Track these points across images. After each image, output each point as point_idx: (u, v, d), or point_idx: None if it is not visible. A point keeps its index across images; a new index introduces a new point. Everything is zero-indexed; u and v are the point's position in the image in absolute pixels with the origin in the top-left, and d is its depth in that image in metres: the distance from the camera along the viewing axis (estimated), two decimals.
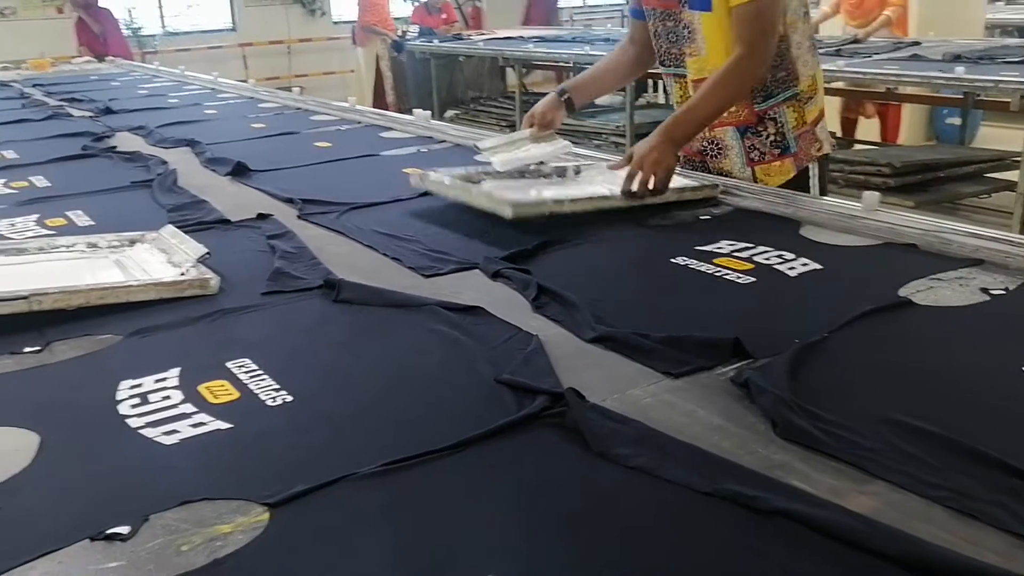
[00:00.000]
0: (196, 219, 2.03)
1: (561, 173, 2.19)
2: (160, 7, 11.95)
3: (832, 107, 6.11)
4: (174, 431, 1.06)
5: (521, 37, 8.54)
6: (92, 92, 4.73)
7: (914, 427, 1.00)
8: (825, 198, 1.93)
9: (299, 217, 2.04)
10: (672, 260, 1.62)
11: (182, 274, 1.57)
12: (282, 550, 0.85)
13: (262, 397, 1.15)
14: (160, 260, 1.66)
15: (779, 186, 2.11)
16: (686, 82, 2.17)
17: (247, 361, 1.25)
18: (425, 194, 2.20)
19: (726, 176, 2.17)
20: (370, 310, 1.45)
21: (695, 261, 1.61)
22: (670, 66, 2.20)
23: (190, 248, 1.66)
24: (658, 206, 1.94)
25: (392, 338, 1.36)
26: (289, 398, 1.14)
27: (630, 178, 1.92)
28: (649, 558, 0.82)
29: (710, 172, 2.21)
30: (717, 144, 2.18)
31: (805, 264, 1.58)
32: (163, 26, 11.96)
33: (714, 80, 1.99)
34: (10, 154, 2.95)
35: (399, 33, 9.41)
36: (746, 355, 1.21)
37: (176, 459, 1.01)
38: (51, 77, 5.83)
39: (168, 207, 2.16)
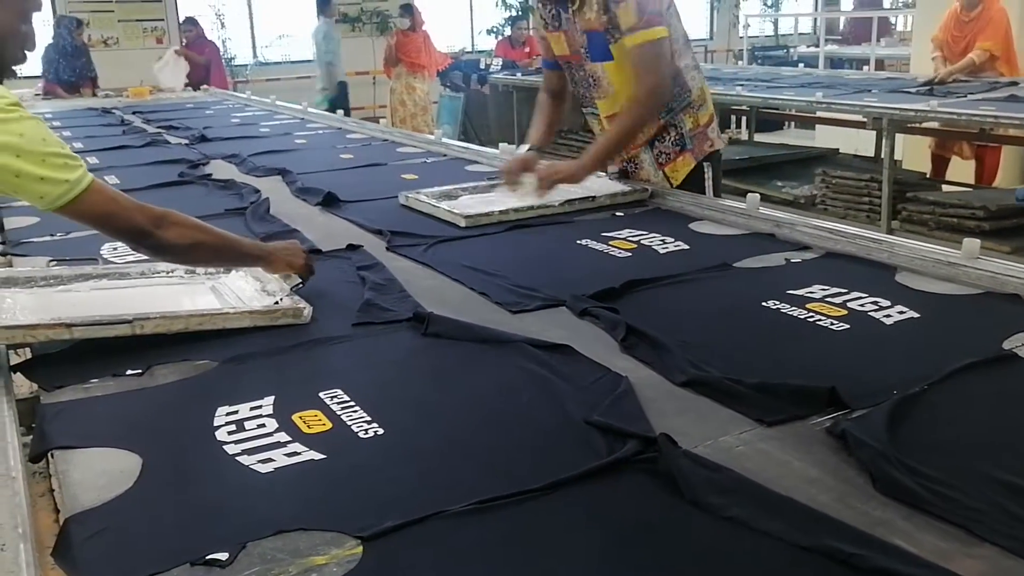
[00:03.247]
0: None
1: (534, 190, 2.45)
2: (253, 38, 12.34)
3: (921, 145, 5.97)
4: (270, 459, 1.08)
5: None
6: (188, 120, 4.90)
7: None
8: (922, 244, 1.89)
9: (388, 249, 2.07)
10: (763, 303, 1.59)
11: (276, 303, 1.60)
12: None
13: (354, 429, 1.16)
14: (254, 288, 1.70)
15: (680, 181, 2.56)
16: (601, 119, 2.63)
17: (339, 392, 1.27)
18: (513, 228, 2.22)
19: (644, 183, 2.58)
20: (459, 345, 1.46)
21: (787, 305, 1.58)
22: (586, 107, 2.67)
23: (283, 277, 1.70)
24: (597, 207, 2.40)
25: (481, 374, 1.36)
26: (380, 431, 1.16)
27: (540, 177, 2.38)
28: None
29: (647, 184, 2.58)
30: (634, 162, 2.64)
31: (902, 312, 1.54)
32: (254, 56, 12.35)
33: (620, 118, 2.48)
34: (112, 179, 3.07)
35: (482, 65, 9.54)
36: (842, 405, 1.18)
37: (272, 488, 1.03)
38: (150, 104, 6.07)
39: (261, 235, 2.21)
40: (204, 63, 8.35)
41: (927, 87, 5.55)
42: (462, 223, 2.24)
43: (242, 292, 1.70)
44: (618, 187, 2.52)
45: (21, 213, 2.97)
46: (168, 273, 1.81)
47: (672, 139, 2.57)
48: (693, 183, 2.56)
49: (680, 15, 2.52)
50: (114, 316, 1.46)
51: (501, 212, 2.30)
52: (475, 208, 2.35)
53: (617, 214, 2.35)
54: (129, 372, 1.36)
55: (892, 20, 14.00)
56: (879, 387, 1.22)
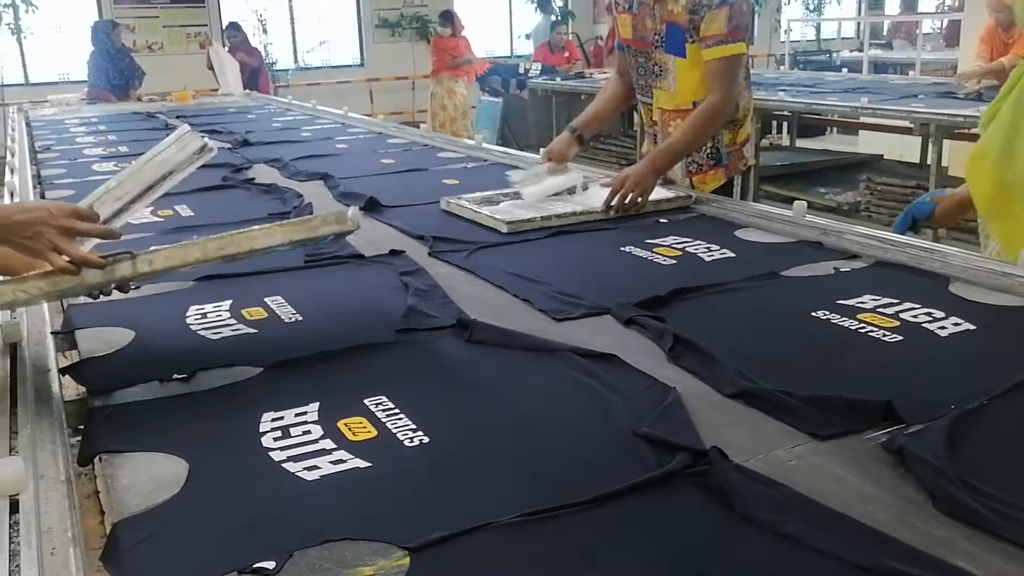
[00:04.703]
0: (331, 253, 2.07)
1: (571, 190, 2.53)
2: (294, 43, 12.47)
3: (968, 151, 5.86)
4: (315, 467, 1.08)
5: None
6: (231, 124, 4.95)
7: None
8: (976, 254, 1.84)
9: (430, 254, 2.07)
10: (813, 313, 1.56)
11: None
12: None
13: (399, 437, 1.15)
14: None
15: (712, 191, 2.57)
16: (651, 109, 2.70)
17: (384, 399, 1.26)
18: (555, 234, 2.21)
19: (668, 183, 2.61)
20: (503, 352, 1.45)
21: (837, 316, 1.55)
22: (642, 94, 2.71)
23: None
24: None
25: (526, 383, 1.35)
26: (426, 439, 1.15)
27: (613, 194, 2.34)
28: None
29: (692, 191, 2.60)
30: None
31: (957, 324, 1.50)
32: (295, 61, 12.47)
33: (692, 121, 2.48)
34: None
35: (521, 70, 9.54)
36: (898, 420, 1.15)
37: (318, 496, 1.02)
38: (193, 109, 6.15)
39: None
40: (254, 66, 8.46)
41: (975, 92, 5.45)
42: (504, 228, 2.24)
43: None
44: (663, 193, 2.49)
45: (59, 187, 3.06)
46: None
47: (708, 152, 2.62)
48: (723, 195, 2.58)
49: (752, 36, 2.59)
50: (113, 252, 1.27)
51: (543, 218, 2.29)
52: (517, 214, 2.33)
53: (661, 220, 2.33)
54: (175, 376, 1.37)
55: (934, 24, 13.81)
56: (936, 401, 1.19)
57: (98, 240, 1.33)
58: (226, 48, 8.67)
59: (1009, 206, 1.94)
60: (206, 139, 1.46)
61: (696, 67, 2.48)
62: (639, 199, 2.34)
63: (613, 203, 2.33)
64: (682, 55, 2.49)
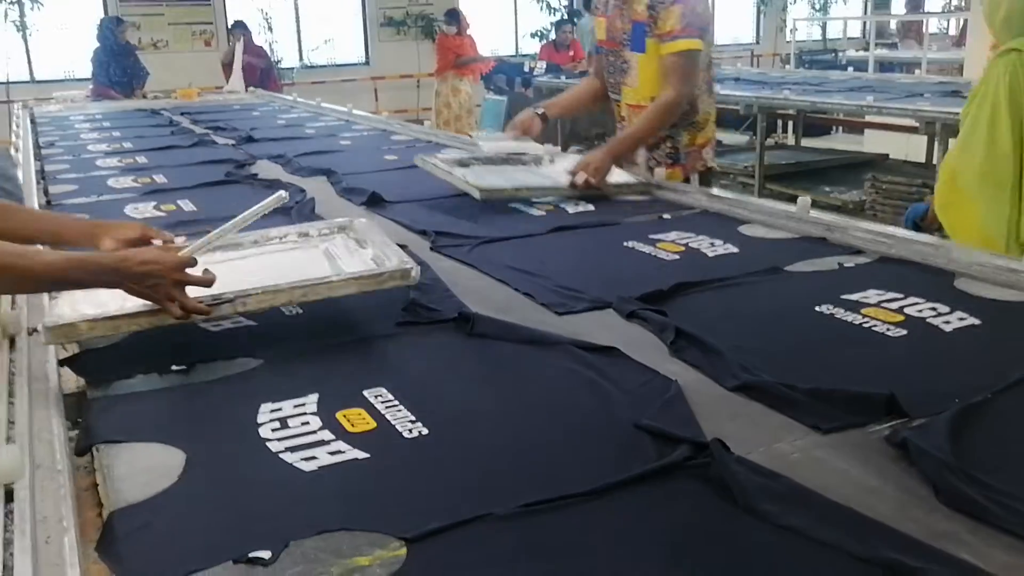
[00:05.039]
0: None
1: (538, 161, 2.75)
2: (299, 41, 12.48)
3: None
4: (313, 457, 1.07)
5: None
6: (235, 121, 4.95)
7: None
8: (980, 251, 1.83)
9: (432, 249, 2.06)
10: (816, 308, 1.55)
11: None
12: None
13: (398, 428, 1.15)
14: (367, 255, 1.68)
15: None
16: (620, 105, 2.90)
17: (383, 390, 1.26)
18: (556, 230, 2.20)
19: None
20: (504, 345, 1.44)
21: (841, 310, 1.54)
22: (613, 93, 2.90)
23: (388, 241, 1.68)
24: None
25: (527, 376, 1.34)
26: (425, 431, 1.14)
27: (573, 173, 2.54)
28: None
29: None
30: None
31: (961, 319, 1.49)
32: (300, 59, 12.48)
33: (647, 113, 2.70)
34: (160, 179, 3.11)
35: (526, 68, 9.54)
36: (901, 413, 1.14)
37: (315, 486, 1.02)
38: (197, 106, 6.14)
39: None
40: (264, 67, 8.47)
41: None
42: (477, 195, 2.39)
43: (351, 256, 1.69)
44: (625, 177, 2.67)
45: (62, 182, 3.06)
46: (281, 239, 1.81)
47: (667, 151, 2.81)
48: None
49: (712, 38, 2.76)
50: (215, 296, 1.39)
51: (515, 189, 2.49)
52: (490, 181, 2.50)
53: (664, 216, 2.32)
54: (174, 368, 1.36)
55: (940, 24, 13.77)
56: (940, 395, 1.18)
57: None
58: (231, 47, 8.69)
59: (956, 195, 2.12)
60: (285, 193, 1.67)
61: (653, 62, 2.66)
62: (598, 180, 2.54)
63: (577, 182, 2.53)
64: (642, 51, 2.67)
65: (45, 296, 1.59)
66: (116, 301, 1.42)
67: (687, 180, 2.79)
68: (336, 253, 1.74)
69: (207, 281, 1.39)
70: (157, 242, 1.58)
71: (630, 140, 2.73)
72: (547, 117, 2.93)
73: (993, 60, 2.10)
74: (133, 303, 1.38)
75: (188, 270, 1.38)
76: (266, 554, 0.87)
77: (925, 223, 2.24)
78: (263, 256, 1.74)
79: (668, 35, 2.59)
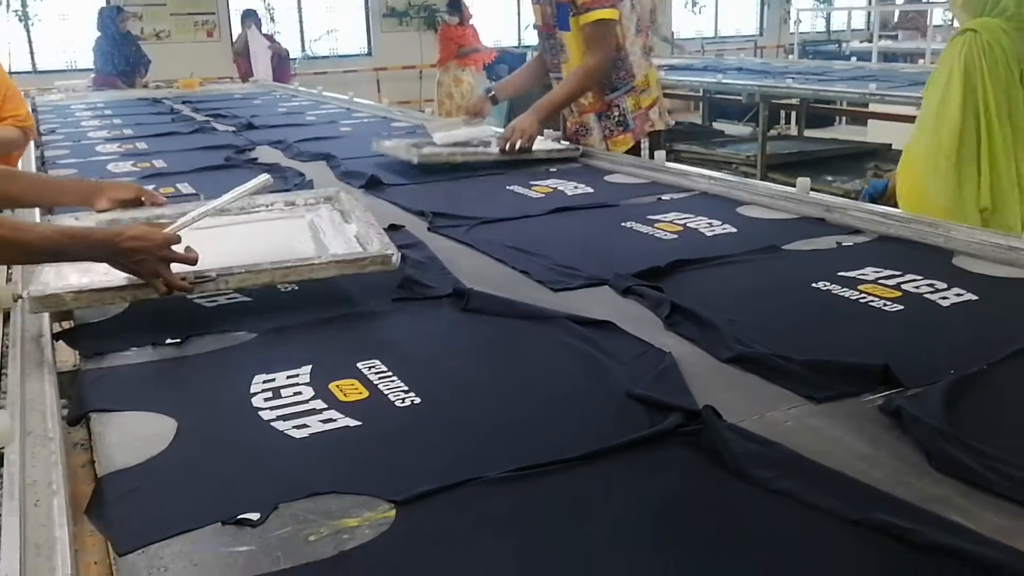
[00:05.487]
0: None
1: (486, 145, 2.94)
2: (301, 32, 12.46)
3: None
4: (304, 425, 1.07)
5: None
6: (235, 109, 4.94)
7: None
8: (979, 229, 1.82)
9: (429, 229, 2.05)
10: (813, 284, 1.54)
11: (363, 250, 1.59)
12: (407, 547, 0.83)
13: (391, 397, 1.14)
14: (350, 232, 1.70)
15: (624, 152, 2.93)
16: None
17: (377, 362, 1.25)
18: (555, 211, 2.19)
19: (589, 148, 2.95)
20: (499, 320, 1.44)
21: (838, 286, 1.53)
22: (553, 72, 3.09)
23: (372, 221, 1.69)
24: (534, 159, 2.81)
25: (521, 349, 1.34)
26: (418, 400, 1.14)
27: (504, 139, 2.81)
28: None
29: (580, 145, 2.97)
30: (585, 126, 3.04)
31: (959, 295, 1.48)
32: (303, 50, 12.45)
33: (568, 77, 2.94)
34: (159, 163, 3.10)
35: (529, 59, 9.51)
36: (896, 384, 1.13)
37: (306, 452, 1.01)
38: (199, 95, 6.13)
39: None
40: (285, 54, 8.48)
41: None
42: (415, 160, 2.69)
43: (336, 232, 1.71)
44: (553, 145, 2.95)
45: (62, 167, 3.06)
46: (268, 207, 1.85)
47: (616, 119, 2.98)
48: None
49: (636, 4, 2.89)
50: (197, 272, 1.42)
51: (449, 154, 2.79)
52: (427, 150, 2.81)
53: (663, 197, 2.32)
54: (168, 341, 1.36)
55: (945, 16, 13.72)
56: (935, 367, 1.17)
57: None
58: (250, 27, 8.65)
59: (907, 170, 2.45)
60: (268, 176, 1.70)
61: (578, 37, 2.88)
62: (525, 142, 2.79)
63: (506, 148, 2.78)
64: (568, 29, 2.90)
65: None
66: (101, 272, 1.45)
67: (638, 144, 2.98)
68: (321, 226, 1.75)
69: (190, 259, 1.42)
70: (149, 211, 1.70)
71: (553, 101, 2.97)
72: (497, 99, 3.27)
73: (950, 40, 2.23)
74: (117, 275, 1.41)
75: (173, 247, 1.40)
76: (255, 516, 0.87)
77: (883, 200, 2.33)
78: (249, 225, 1.76)
79: (583, 8, 2.82)
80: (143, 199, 1.87)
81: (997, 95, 2.24)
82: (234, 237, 1.66)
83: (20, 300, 1.42)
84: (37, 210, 2.03)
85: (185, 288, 1.41)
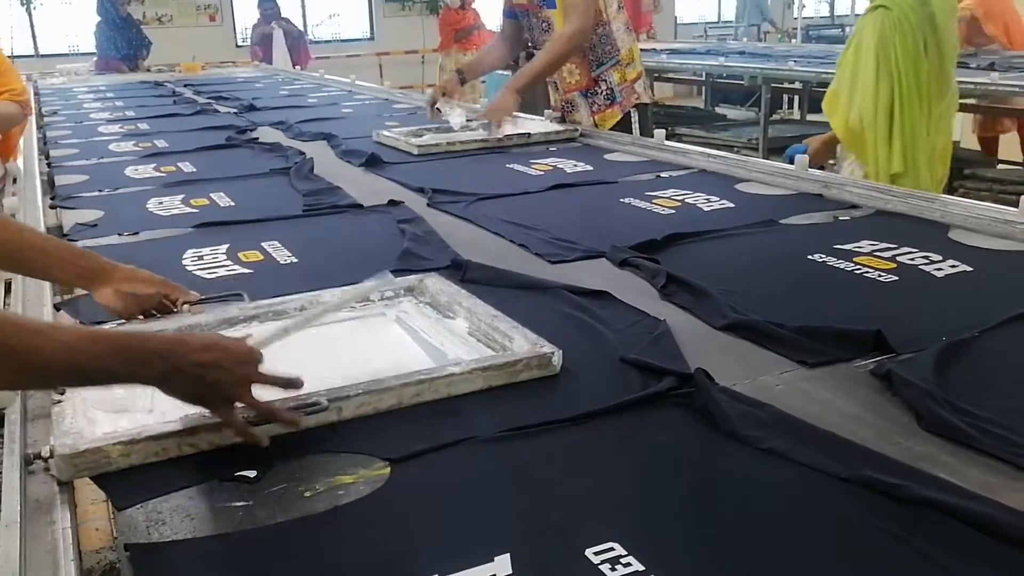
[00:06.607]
0: (330, 203, 2.08)
1: (487, 128, 2.98)
2: (304, 16, 12.42)
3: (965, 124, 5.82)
4: None
5: (654, 49, 8.47)
6: (237, 91, 4.94)
7: None
8: (976, 202, 1.83)
9: (429, 205, 2.06)
10: (809, 257, 1.55)
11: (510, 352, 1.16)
12: (402, 503, 0.85)
13: None
14: (459, 328, 1.29)
15: (608, 128, 2.97)
16: None
17: None
18: (554, 187, 2.20)
19: (577, 124, 3.02)
20: (496, 291, 1.44)
21: (834, 259, 1.54)
22: (539, 49, 3.08)
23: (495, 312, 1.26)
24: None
25: (517, 317, 1.34)
26: None
27: (486, 128, 2.95)
28: (781, 539, 0.78)
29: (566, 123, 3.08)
30: (571, 103, 3.09)
31: (953, 266, 1.49)
32: (305, 34, 12.41)
33: (546, 48, 2.96)
34: (161, 143, 3.11)
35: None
36: (888, 349, 1.14)
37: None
38: (201, 78, 6.13)
39: (304, 192, 2.22)
40: (297, 34, 8.46)
41: (989, 62, 5.39)
42: (416, 151, 2.72)
43: (443, 333, 1.28)
44: (552, 126, 2.99)
45: (63, 147, 3.06)
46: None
47: (604, 93, 3.01)
48: (621, 130, 2.98)
49: None
50: (308, 400, 0.99)
51: (448, 144, 2.81)
52: (427, 139, 2.86)
53: (662, 175, 2.32)
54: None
55: None
56: (928, 334, 1.18)
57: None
58: (271, 26, 8.62)
59: (859, 144, 2.49)
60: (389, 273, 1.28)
61: (562, 12, 2.91)
62: (500, 117, 2.90)
63: (488, 136, 2.87)
64: (554, 7, 2.93)
65: None
66: (138, 400, 1.03)
67: (626, 116, 3.01)
68: (416, 325, 1.32)
69: (295, 383, 0.98)
70: (179, 319, 1.23)
71: (531, 72, 3.01)
72: (464, 79, 3.46)
73: (864, 15, 2.52)
74: (166, 408, 0.98)
75: (266, 374, 0.97)
76: (251, 473, 0.88)
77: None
78: (318, 328, 1.19)
79: None
80: (171, 298, 1.30)
81: (907, 66, 2.46)
82: (306, 347, 1.14)
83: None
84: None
85: (285, 420, 0.95)
